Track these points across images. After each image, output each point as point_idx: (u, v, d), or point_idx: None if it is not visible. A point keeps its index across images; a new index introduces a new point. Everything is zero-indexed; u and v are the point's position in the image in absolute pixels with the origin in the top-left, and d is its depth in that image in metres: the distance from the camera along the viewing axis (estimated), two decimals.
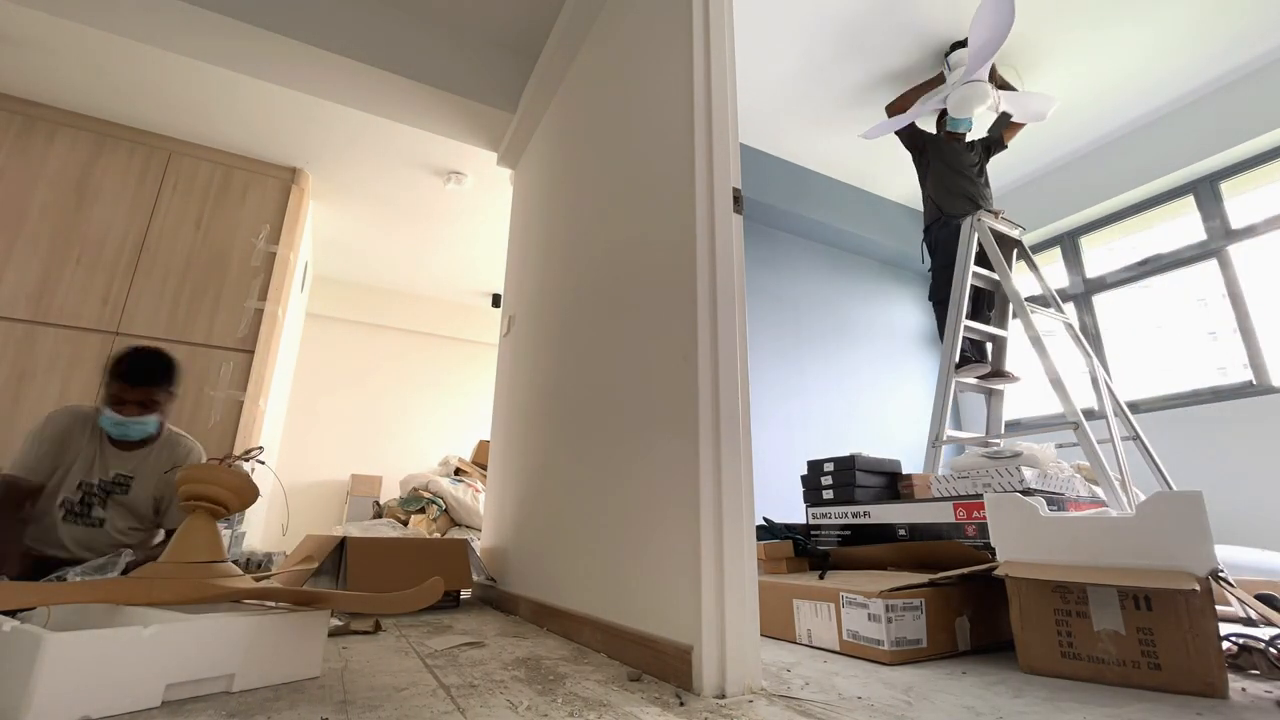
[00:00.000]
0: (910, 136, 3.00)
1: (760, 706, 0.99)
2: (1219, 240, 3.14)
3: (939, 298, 2.70)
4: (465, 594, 2.47)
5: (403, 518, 3.56)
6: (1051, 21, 2.74)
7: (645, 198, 1.56)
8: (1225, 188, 3.18)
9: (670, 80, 1.52)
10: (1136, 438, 2.36)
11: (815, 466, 2.31)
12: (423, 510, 3.54)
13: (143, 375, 1.65)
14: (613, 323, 1.64)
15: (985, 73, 2.61)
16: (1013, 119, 2.94)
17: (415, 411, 5.64)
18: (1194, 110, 3.21)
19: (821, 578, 1.63)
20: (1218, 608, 1.12)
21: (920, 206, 3.75)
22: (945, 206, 2.79)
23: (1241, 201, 3.12)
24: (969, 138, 3.02)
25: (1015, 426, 3.67)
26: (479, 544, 2.97)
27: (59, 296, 2.87)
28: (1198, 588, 1.04)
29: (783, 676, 1.18)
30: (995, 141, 3.02)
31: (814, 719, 0.93)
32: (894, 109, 2.99)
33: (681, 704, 1.00)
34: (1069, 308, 3.69)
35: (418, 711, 0.94)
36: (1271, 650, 1.19)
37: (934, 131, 3.03)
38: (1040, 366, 2.22)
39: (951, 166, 2.85)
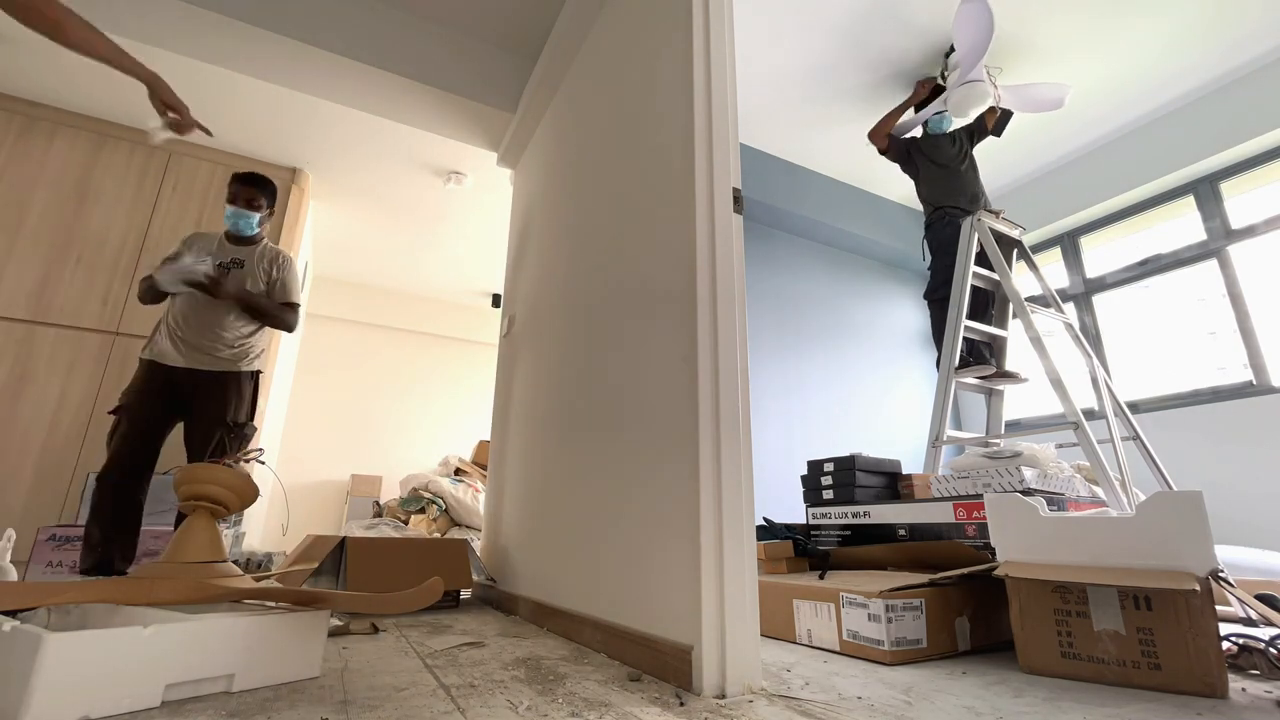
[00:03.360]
0: (895, 150, 3.04)
1: (760, 706, 0.99)
2: (1219, 240, 3.14)
3: (936, 297, 2.70)
4: (465, 594, 2.47)
5: (403, 518, 3.56)
6: (1051, 21, 2.74)
7: (645, 197, 1.56)
8: (1225, 188, 3.18)
9: (670, 80, 1.52)
10: (1136, 438, 2.36)
11: (815, 466, 2.31)
12: (423, 510, 3.54)
13: (250, 178, 2.25)
14: (612, 322, 1.64)
15: (982, 71, 2.61)
16: (1004, 110, 2.97)
17: (415, 411, 5.64)
18: (1194, 110, 3.21)
19: (821, 578, 1.63)
20: (1218, 608, 1.12)
21: (919, 206, 3.74)
22: (936, 200, 2.82)
23: (1241, 201, 3.12)
24: (949, 129, 3.05)
25: (1015, 426, 3.67)
26: (479, 544, 2.97)
27: (59, 296, 2.87)
28: (1198, 588, 1.04)
29: (783, 676, 1.18)
30: (978, 129, 3.04)
31: (814, 719, 0.93)
32: (875, 133, 3.06)
33: (681, 704, 1.00)
34: (1069, 308, 3.69)
35: (418, 711, 0.94)
36: (1271, 650, 1.19)
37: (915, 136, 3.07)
38: (1040, 366, 2.23)
39: (936, 161, 2.89)
